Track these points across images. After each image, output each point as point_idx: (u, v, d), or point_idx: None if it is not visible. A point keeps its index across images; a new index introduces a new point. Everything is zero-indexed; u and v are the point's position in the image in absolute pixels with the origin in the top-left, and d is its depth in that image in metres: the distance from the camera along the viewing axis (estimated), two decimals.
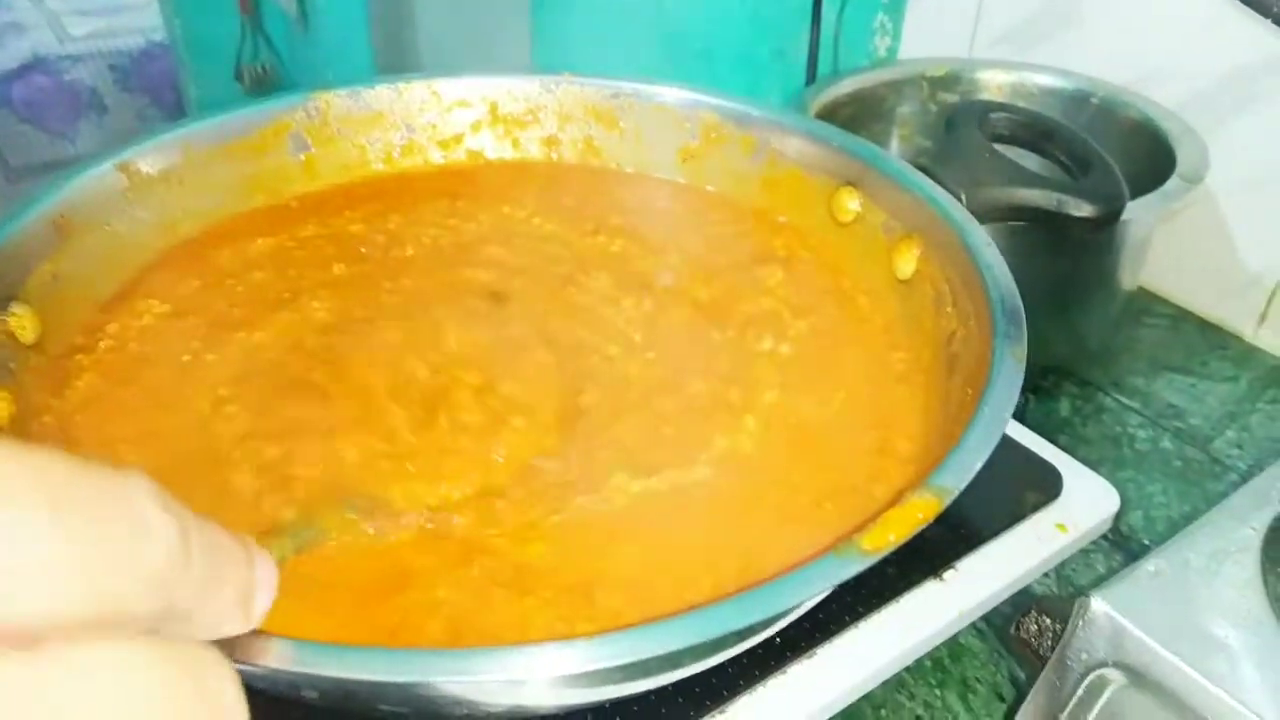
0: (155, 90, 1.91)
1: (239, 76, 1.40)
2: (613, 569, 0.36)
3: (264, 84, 1.41)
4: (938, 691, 0.49)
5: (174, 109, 1.90)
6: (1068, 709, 0.37)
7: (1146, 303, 0.78)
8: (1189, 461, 0.62)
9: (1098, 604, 0.35)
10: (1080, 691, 0.36)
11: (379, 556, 0.37)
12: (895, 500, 0.32)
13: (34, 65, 1.81)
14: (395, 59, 0.92)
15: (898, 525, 0.30)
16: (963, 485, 0.32)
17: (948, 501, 0.31)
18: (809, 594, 0.29)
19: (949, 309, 0.45)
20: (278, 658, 0.27)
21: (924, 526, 0.31)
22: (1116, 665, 0.35)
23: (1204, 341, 0.75)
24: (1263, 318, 0.74)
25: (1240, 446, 0.64)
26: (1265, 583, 0.37)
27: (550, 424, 0.43)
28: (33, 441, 0.40)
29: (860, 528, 0.31)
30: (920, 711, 0.48)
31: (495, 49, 0.88)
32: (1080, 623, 0.36)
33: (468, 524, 0.38)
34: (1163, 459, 0.63)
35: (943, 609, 0.44)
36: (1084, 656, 0.36)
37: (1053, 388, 0.69)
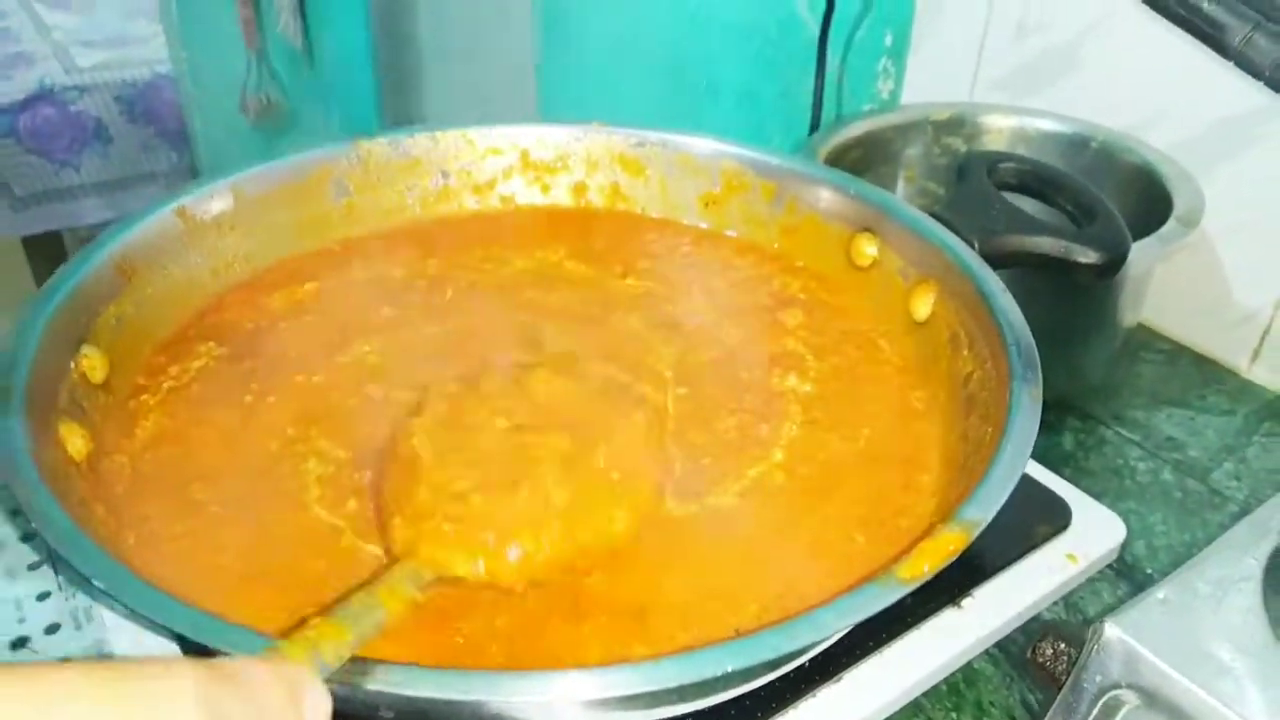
0: (160, 121, 1.94)
1: (244, 109, 1.43)
2: (663, 595, 0.39)
3: (268, 116, 1.44)
4: (954, 715, 0.51)
5: (178, 140, 1.94)
6: None
7: (1145, 339, 0.81)
8: (1189, 493, 0.65)
9: (1111, 629, 0.38)
10: (1095, 712, 0.39)
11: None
12: (926, 533, 0.34)
13: (41, 96, 1.84)
14: (401, 98, 0.94)
15: (931, 556, 0.33)
16: (989, 518, 0.35)
17: (976, 534, 0.34)
18: (852, 619, 0.32)
19: (965, 351, 0.48)
20: (357, 677, 0.30)
21: (955, 557, 0.33)
22: (1130, 687, 0.37)
23: (1200, 376, 0.78)
24: (1256, 354, 0.77)
25: (1238, 478, 0.66)
26: (1267, 609, 0.39)
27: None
28: (107, 480, 0.43)
29: (895, 559, 0.34)
30: None
31: (500, 87, 0.91)
32: (1095, 647, 0.38)
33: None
34: (1163, 490, 0.65)
35: (961, 635, 0.47)
36: (1098, 679, 0.38)
37: (1056, 422, 0.72)
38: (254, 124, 1.42)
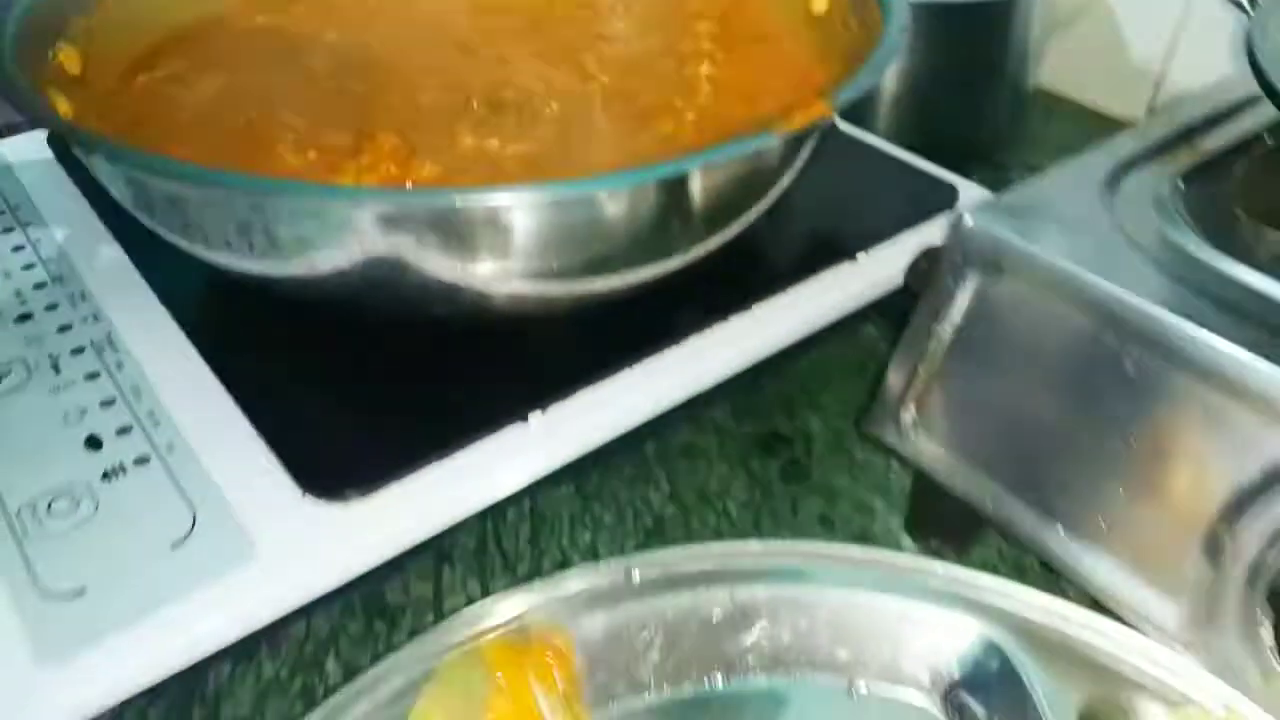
0: None
1: None
2: None
3: None
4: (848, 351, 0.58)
5: None
6: (949, 312, 0.46)
7: (1048, 103, 0.87)
8: None
9: (968, 219, 0.44)
10: (959, 292, 0.45)
11: None
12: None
13: None
14: None
15: (800, 117, 0.39)
16: (854, 96, 0.41)
17: (840, 103, 0.40)
18: (738, 153, 0.38)
19: (856, 30, 0.54)
20: None
21: (822, 121, 0.40)
22: (984, 265, 0.44)
23: (1102, 131, 0.84)
24: (1151, 106, 0.83)
25: None
26: (1103, 206, 0.46)
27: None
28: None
29: None
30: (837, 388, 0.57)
31: None
32: (956, 239, 0.45)
33: None
34: None
35: (856, 281, 0.54)
36: (959, 263, 0.45)
37: (963, 169, 0.78)
38: None
